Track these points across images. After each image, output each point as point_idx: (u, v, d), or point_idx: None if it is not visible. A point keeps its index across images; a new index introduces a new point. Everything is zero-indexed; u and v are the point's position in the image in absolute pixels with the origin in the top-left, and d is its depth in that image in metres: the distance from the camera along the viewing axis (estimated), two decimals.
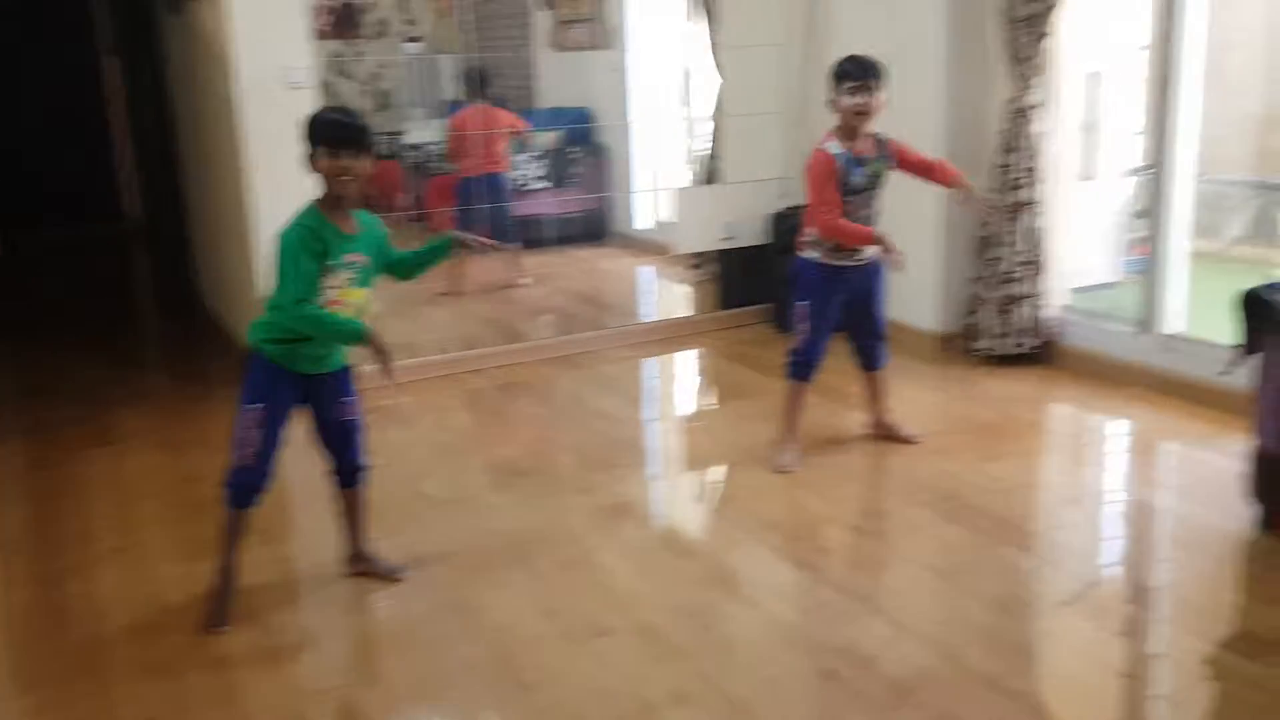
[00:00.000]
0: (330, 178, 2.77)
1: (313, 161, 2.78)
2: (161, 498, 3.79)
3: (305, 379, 2.94)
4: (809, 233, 3.74)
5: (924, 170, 3.78)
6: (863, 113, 3.58)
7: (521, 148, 7.34)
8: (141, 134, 8.08)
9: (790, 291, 3.85)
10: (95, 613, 2.99)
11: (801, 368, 3.84)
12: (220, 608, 2.90)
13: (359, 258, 2.85)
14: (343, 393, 3.01)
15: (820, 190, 3.64)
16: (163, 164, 7.27)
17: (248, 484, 2.92)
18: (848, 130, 3.63)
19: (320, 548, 3.32)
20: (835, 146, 3.63)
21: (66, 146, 9.40)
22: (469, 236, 3.14)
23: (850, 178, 3.63)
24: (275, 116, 4.48)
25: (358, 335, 2.79)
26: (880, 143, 3.70)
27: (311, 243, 2.75)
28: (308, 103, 4.52)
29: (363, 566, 3.13)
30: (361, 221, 2.89)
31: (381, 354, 2.77)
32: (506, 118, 6.73)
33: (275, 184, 4.53)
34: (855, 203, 3.67)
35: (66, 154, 9.40)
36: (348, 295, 2.84)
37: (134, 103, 8.16)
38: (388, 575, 3.11)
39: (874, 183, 3.69)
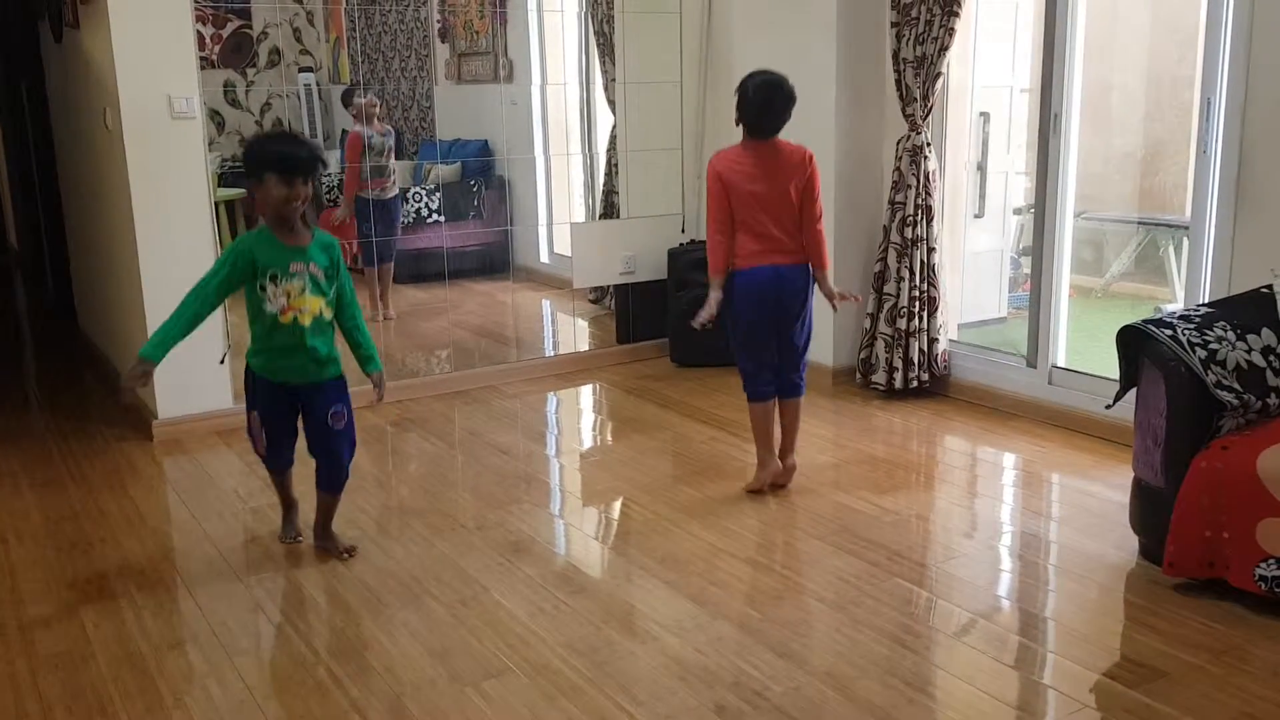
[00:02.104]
0: (281, 203, 3.05)
1: (260, 187, 3.06)
2: (35, 539, 3.63)
3: (295, 389, 3.26)
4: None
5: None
6: None
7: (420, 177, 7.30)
8: (23, 163, 7.81)
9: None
10: None
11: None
12: (288, 526, 3.55)
13: (310, 268, 3.14)
14: (332, 402, 3.27)
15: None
16: (44, 193, 7.03)
17: (270, 465, 3.45)
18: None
19: (208, 591, 3.21)
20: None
21: None
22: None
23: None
24: (159, 146, 4.37)
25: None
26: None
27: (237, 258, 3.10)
28: (194, 132, 4.42)
29: (324, 544, 3.48)
30: (314, 236, 3.19)
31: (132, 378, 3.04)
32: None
33: (159, 215, 4.42)
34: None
35: None
36: (304, 302, 3.13)
37: (15, 131, 7.89)
38: (340, 553, 3.42)
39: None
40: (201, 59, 4.53)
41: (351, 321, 3.32)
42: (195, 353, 4.54)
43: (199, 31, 4.52)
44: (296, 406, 3.31)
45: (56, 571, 3.38)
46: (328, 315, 3.22)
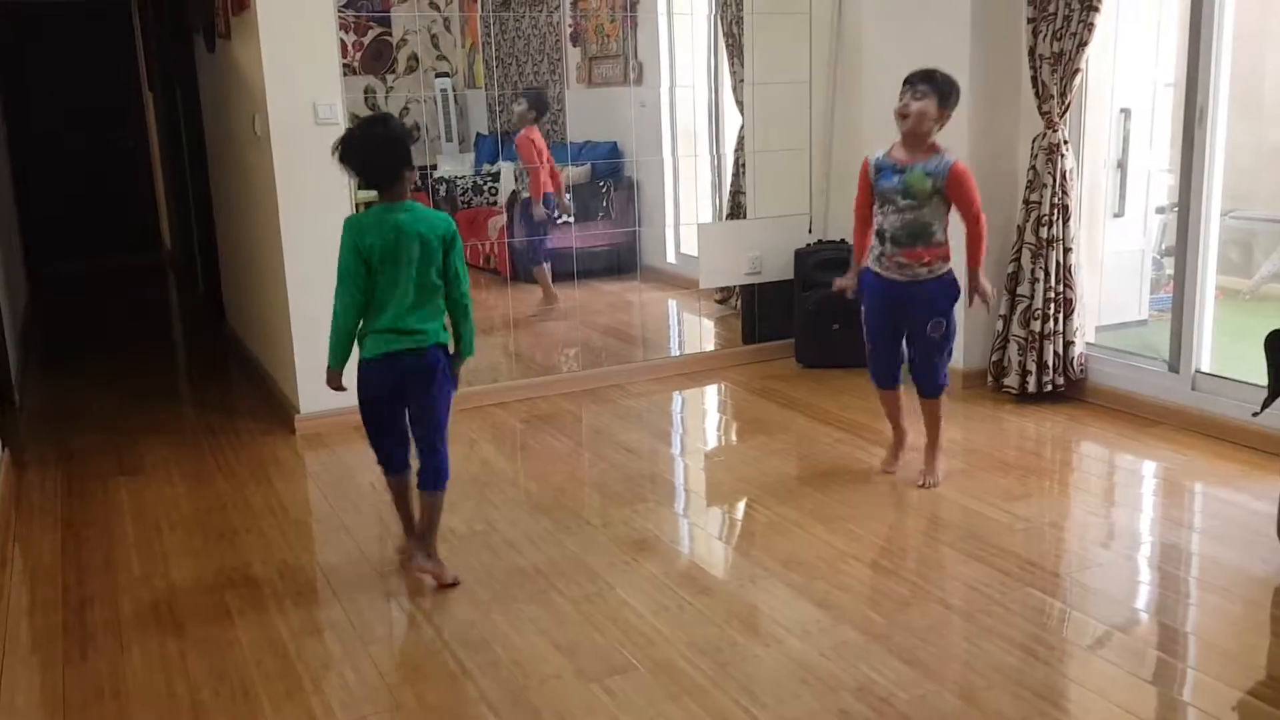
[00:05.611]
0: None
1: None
2: (185, 528, 3.81)
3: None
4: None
5: (963, 218, 3.72)
6: (901, 115, 3.64)
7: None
8: (177, 167, 8.21)
9: None
10: (118, 641, 3.00)
11: (872, 374, 3.98)
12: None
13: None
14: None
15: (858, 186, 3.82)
16: (196, 196, 7.37)
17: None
18: (903, 135, 3.68)
19: (345, 580, 3.33)
20: (878, 151, 3.75)
21: (109, 178, 9.63)
22: None
23: (879, 182, 3.71)
24: (304, 150, 4.54)
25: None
26: (938, 160, 3.66)
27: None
28: (336, 137, 4.57)
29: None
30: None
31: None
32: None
33: (304, 216, 4.59)
34: (885, 210, 3.71)
35: (109, 185, 9.62)
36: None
37: (170, 136, 8.30)
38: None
39: (907, 193, 3.65)
40: (344, 66, 4.69)
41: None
42: None
43: (341, 39, 4.68)
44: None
45: (204, 559, 3.55)
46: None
